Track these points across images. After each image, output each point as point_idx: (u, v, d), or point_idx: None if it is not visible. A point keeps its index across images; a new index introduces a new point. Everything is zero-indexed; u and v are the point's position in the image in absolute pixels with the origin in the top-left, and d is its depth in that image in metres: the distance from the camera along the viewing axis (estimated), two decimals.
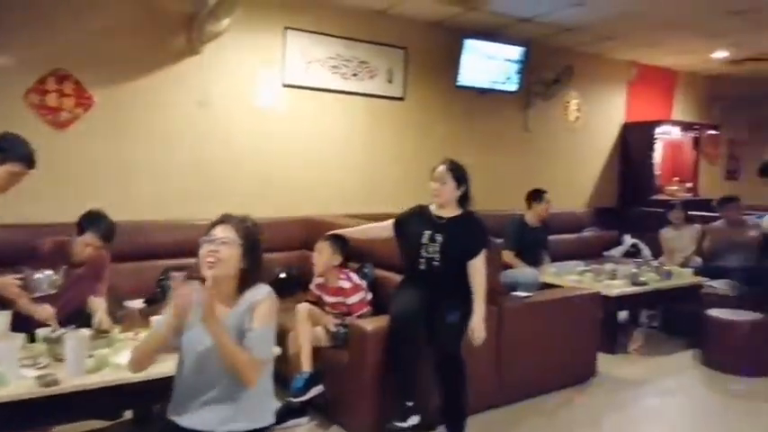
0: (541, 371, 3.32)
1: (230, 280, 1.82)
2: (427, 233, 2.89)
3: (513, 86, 5.49)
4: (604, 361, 3.92)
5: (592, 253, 6.23)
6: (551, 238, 5.94)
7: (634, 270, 4.37)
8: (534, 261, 4.89)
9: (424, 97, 5.29)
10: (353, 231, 3.21)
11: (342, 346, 2.93)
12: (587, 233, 6.42)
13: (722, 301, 4.22)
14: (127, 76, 3.94)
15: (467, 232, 2.89)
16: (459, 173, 2.97)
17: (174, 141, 4.13)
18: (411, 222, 2.99)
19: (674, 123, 6.99)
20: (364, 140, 5.03)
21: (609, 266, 4.53)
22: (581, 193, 6.63)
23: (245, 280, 1.84)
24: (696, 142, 7.12)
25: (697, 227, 5.29)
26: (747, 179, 8.24)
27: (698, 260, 5.27)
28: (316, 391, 2.86)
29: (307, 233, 4.30)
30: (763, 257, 4.83)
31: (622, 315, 4.69)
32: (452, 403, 2.79)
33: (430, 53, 5.27)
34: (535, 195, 4.94)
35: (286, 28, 4.50)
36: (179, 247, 3.58)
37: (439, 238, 2.85)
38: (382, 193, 5.08)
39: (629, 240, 6.32)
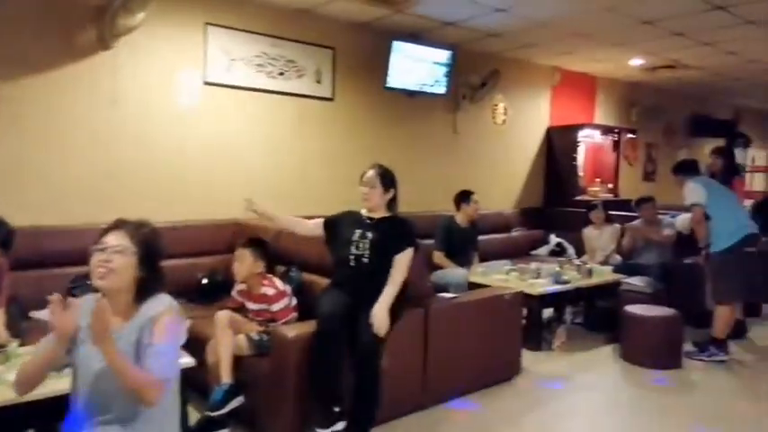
0: (467, 371, 3.33)
1: (125, 291, 1.69)
2: (358, 231, 2.93)
3: (441, 89, 5.54)
4: (530, 358, 4.00)
5: (519, 252, 6.40)
6: (481, 238, 6.03)
7: (557, 269, 4.49)
8: (464, 261, 4.95)
9: (353, 98, 5.25)
10: (282, 220, 3.13)
11: (265, 354, 2.82)
12: (515, 233, 6.58)
13: (639, 298, 4.41)
14: (28, 72, 3.67)
15: (396, 231, 2.95)
16: (387, 178, 3.04)
17: (83, 142, 3.88)
18: (342, 224, 3.02)
19: (596, 127, 7.29)
20: (293, 141, 4.92)
21: (534, 266, 4.63)
22: (509, 194, 6.79)
23: (143, 290, 1.70)
24: (616, 145, 7.45)
25: (617, 226, 5.52)
26: (663, 180, 8.74)
27: (618, 258, 5.50)
28: (236, 402, 2.73)
29: (233, 236, 4.15)
30: (677, 255, 5.11)
31: (548, 312, 4.82)
32: (362, 404, 2.73)
33: (358, 54, 5.23)
34: (463, 196, 5.00)
35: (207, 24, 4.33)
36: (88, 253, 3.35)
37: (369, 235, 2.89)
38: (312, 195, 4.99)
39: (554, 239, 6.52)
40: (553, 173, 7.08)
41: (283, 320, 2.93)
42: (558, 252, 6.39)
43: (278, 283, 3.02)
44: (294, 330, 2.68)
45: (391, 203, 3.04)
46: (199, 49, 4.33)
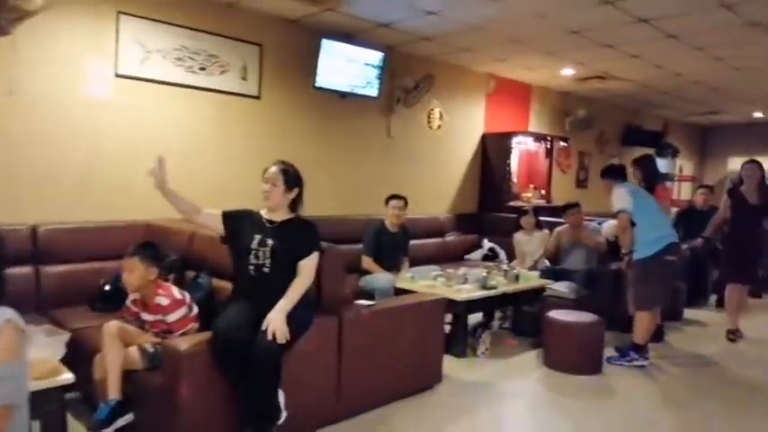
0: (386, 380, 3.21)
1: None
2: (257, 237, 2.72)
3: (373, 92, 5.44)
4: (454, 365, 3.93)
5: (453, 257, 6.38)
6: (415, 242, 5.97)
7: (484, 274, 4.45)
8: (393, 266, 4.85)
9: (281, 97, 5.07)
10: (179, 198, 2.73)
11: (158, 367, 2.60)
12: (449, 238, 6.55)
13: (563, 303, 4.42)
14: None
15: (298, 235, 2.77)
16: (291, 175, 2.85)
17: None
18: (241, 224, 2.79)
19: (529, 134, 7.38)
20: (216, 140, 4.69)
21: (461, 271, 4.58)
22: (444, 199, 6.76)
23: None
24: (549, 153, 7.56)
25: (546, 232, 5.56)
26: (595, 187, 8.94)
27: (546, 263, 5.53)
28: (124, 420, 2.51)
29: (144, 240, 3.88)
30: (602, 261, 5.18)
31: (477, 317, 4.79)
32: (257, 414, 2.53)
33: (288, 52, 5.06)
34: (387, 200, 4.92)
35: (119, 12, 4.06)
36: None
37: (269, 242, 2.69)
38: (235, 196, 4.69)
39: (487, 244, 6.53)
40: (488, 179, 7.11)
41: (181, 331, 2.72)
42: (491, 257, 6.39)
43: (174, 291, 2.81)
44: (187, 343, 2.47)
45: (294, 204, 2.86)
46: (110, 38, 4.05)
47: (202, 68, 4.55)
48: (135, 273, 2.76)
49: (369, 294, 4.57)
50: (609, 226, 5.40)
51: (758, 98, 8.23)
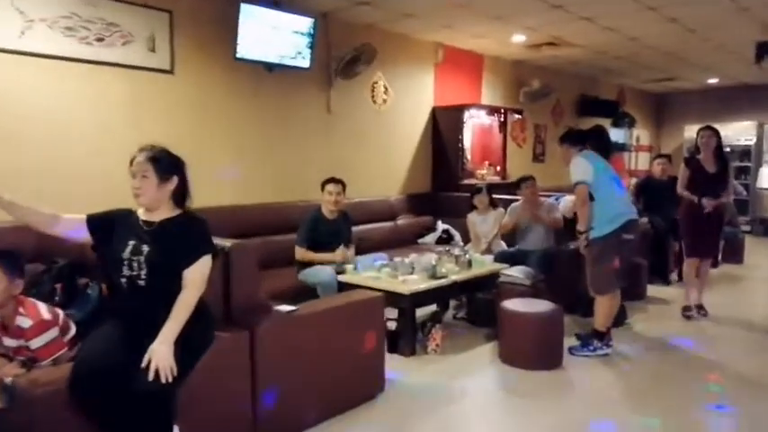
0: (315, 398, 2.75)
1: None
2: (131, 244, 2.16)
3: (304, 63, 4.88)
4: (401, 366, 3.52)
5: (406, 241, 5.96)
6: (364, 228, 5.55)
7: (432, 263, 4.02)
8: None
9: (199, 71, 4.47)
10: (25, 210, 2.11)
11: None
12: (401, 221, 6.12)
13: (518, 290, 4.04)
14: None
15: (180, 237, 2.20)
16: (164, 162, 2.24)
17: None
18: (112, 230, 2.21)
19: (482, 107, 6.95)
20: (124, 122, 4.08)
21: (408, 260, 4.14)
22: (394, 180, 6.29)
23: None
24: (503, 126, 7.16)
25: (501, 210, 5.17)
26: (553, 161, 8.64)
27: (502, 244, 5.16)
28: None
29: (37, 241, 3.29)
30: (559, 240, 4.82)
31: (431, 309, 4.39)
32: None
33: (203, 19, 4.45)
34: (322, 185, 4.42)
35: None
36: None
37: (145, 248, 2.14)
38: None
39: (441, 226, 6.14)
40: (440, 156, 6.67)
41: (48, 360, 2.19)
42: (446, 239, 6.01)
43: (41, 310, 2.27)
44: (48, 376, 1.95)
45: (178, 197, 2.28)
46: None
47: (99, 39, 3.91)
48: None
49: (312, 289, 4.12)
50: (566, 201, 5.06)
51: (713, 63, 8.00)
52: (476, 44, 6.67)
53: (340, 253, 4.26)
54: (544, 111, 8.40)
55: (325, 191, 4.39)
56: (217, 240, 2.46)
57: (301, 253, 4.26)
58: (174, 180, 2.23)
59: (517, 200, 5.08)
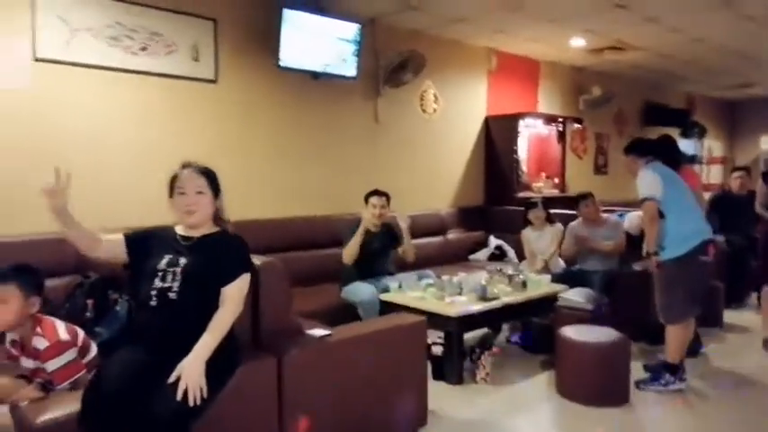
0: (349, 429, 2.51)
1: None
2: (168, 257, 2.05)
3: (351, 71, 4.70)
4: (446, 397, 3.23)
5: (457, 257, 5.67)
6: (413, 242, 5.29)
7: (482, 283, 3.72)
8: (375, 272, 4.16)
9: (243, 80, 4.36)
10: (78, 231, 2.00)
11: None
12: (452, 235, 5.82)
13: (578, 316, 3.66)
14: None
15: (222, 252, 2.09)
16: (215, 178, 2.23)
17: None
18: (150, 246, 2.12)
19: (538, 116, 6.58)
20: (164, 132, 4.01)
21: (456, 279, 3.86)
22: (444, 192, 6.01)
23: None
24: (561, 136, 6.76)
25: (559, 226, 4.80)
26: (616, 173, 8.15)
27: (560, 263, 4.79)
28: None
29: (77, 253, 3.22)
30: (624, 260, 4.41)
31: (480, 332, 4.09)
32: None
33: (247, 27, 4.35)
34: (366, 198, 4.21)
35: None
36: None
37: (183, 260, 2.03)
38: None
39: (494, 242, 5.81)
40: (493, 167, 6.34)
41: (65, 382, 2.05)
42: (499, 256, 5.68)
43: (58, 329, 2.13)
44: (54, 410, 1.79)
45: (218, 215, 2.23)
46: (25, 14, 3.38)
47: (143, 48, 3.86)
48: (10, 305, 2.09)
49: (352, 307, 3.90)
50: (633, 218, 4.63)
51: None
52: (531, 49, 6.33)
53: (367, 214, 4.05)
54: (606, 119, 7.93)
55: (369, 204, 4.18)
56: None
57: (345, 251, 4.02)
58: (221, 198, 2.20)
59: (575, 216, 4.70)
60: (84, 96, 3.65)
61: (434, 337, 3.48)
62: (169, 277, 1.99)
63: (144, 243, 2.12)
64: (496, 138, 6.31)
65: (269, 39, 4.32)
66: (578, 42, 5.91)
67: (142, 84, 3.88)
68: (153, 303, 1.96)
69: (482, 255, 5.69)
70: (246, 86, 4.38)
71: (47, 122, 3.52)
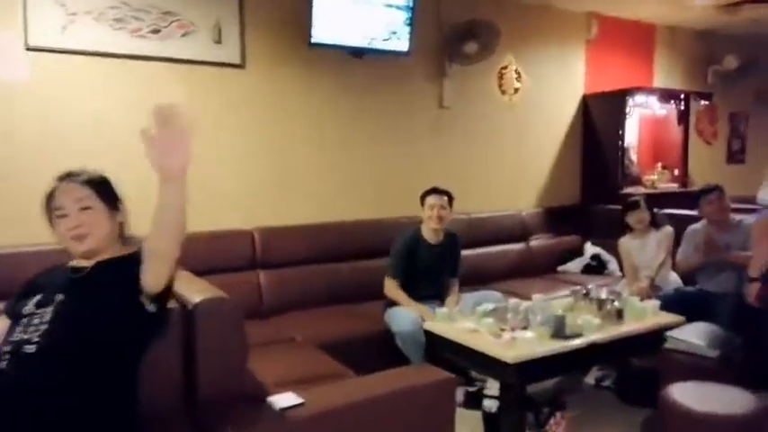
0: None
1: None
2: (38, 297, 1.47)
3: (402, 45, 3.89)
4: None
5: (542, 268, 4.72)
6: (485, 251, 4.47)
7: (560, 311, 2.80)
8: (435, 292, 3.39)
9: (275, 64, 3.74)
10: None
11: None
12: (536, 242, 4.85)
13: (696, 363, 2.62)
14: None
15: (119, 282, 1.44)
16: (109, 185, 1.62)
17: None
18: (29, 291, 1.54)
19: (652, 92, 5.33)
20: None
21: (527, 304, 2.97)
22: (528, 189, 5.03)
23: None
24: (683, 116, 5.45)
25: (668, 230, 3.69)
26: (756, 161, 6.59)
27: (673, 279, 3.69)
28: None
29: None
30: None
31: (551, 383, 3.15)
32: None
33: (276, 1, 3.72)
34: (422, 197, 3.42)
35: None
36: None
37: (59, 297, 1.43)
38: (219, 202, 3.58)
39: (589, 250, 4.75)
40: (593, 157, 5.23)
41: None
42: (596, 267, 4.63)
43: None
44: None
45: (123, 234, 1.60)
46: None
47: (155, 31, 3.36)
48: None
49: (392, 337, 3.16)
50: None
51: None
52: (642, 11, 5.12)
53: (421, 308, 3.17)
54: (744, 96, 6.39)
55: (426, 204, 3.40)
56: (183, 294, 1.63)
57: (392, 288, 3.31)
58: (122, 207, 1.60)
59: (699, 218, 3.57)
60: (84, 89, 3.21)
61: (489, 388, 2.64)
62: (35, 322, 1.39)
63: (25, 296, 1.52)
64: (597, 120, 5.18)
65: (303, 13, 3.63)
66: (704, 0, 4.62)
67: (155, 72, 3.38)
68: (2, 366, 1.35)
69: (575, 266, 4.66)
70: (279, 71, 3.74)
71: (47, 117, 3.12)
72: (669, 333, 2.76)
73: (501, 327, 2.77)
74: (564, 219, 5.01)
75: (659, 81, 5.67)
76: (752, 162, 6.53)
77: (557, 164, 5.14)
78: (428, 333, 2.98)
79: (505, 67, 4.75)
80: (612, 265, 4.55)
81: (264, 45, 3.68)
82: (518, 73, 4.82)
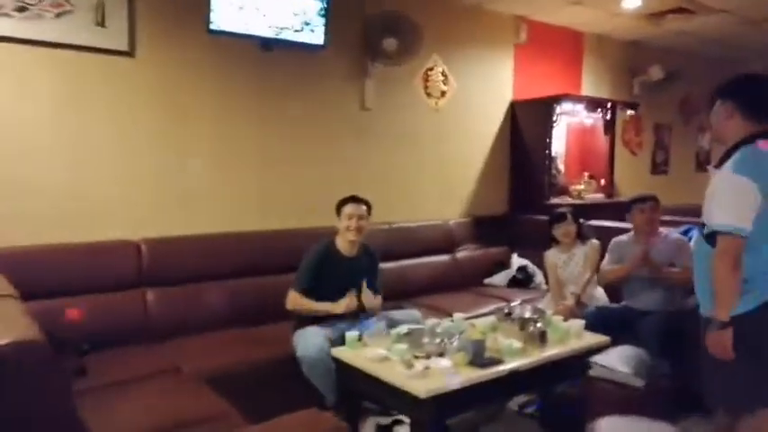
0: None
1: None
2: None
3: (316, 37, 3.55)
4: None
5: (469, 281, 4.47)
6: (408, 263, 4.19)
7: (478, 335, 2.52)
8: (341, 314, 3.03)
9: (170, 53, 3.30)
10: None
11: None
12: (463, 253, 4.61)
13: (623, 394, 2.41)
14: None
15: None
16: None
17: None
18: None
19: (579, 100, 5.23)
20: (55, 122, 3.00)
21: (444, 325, 2.69)
22: (455, 199, 4.79)
23: None
24: (610, 126, 5.39)
25: (595, 243, 3.53)
26: (679, 173, 6.70)
27: (599, 295, 3.53)
28: None
29: None
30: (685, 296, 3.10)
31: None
32: None
33: None
34: (338, 207, 3.10)
35: None
36: None
37: None
38: (101, 210, 3.10)
39: (517, 262, 4.56)
40: (521, 166, 5.07)
41: None
42: (522, 281, 4.44)
43: None
44: None
45: None
46: None
47: (21, 9, 2.86)
48: None
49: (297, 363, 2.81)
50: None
51: None
52: (571, 17, 5.01)
53: (345, 302, 2.90)
54: (668, 107, 6.47)
55: (343, 214, 3.07)
56: None
57: (296, 299, 2.94)
58: None
59: (626, 230, 3.43)
60: None
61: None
62: None
63: None
64: (525, 128, 5.03)
65: None
66: (633, 3, 4.55)
67: (20, 57, 2.88)
68: None
69: (500, 279, 4.45)
70: (176, 61, 3.31)
71: None
72: (594, 359, 2.53)
73: (415, 354, 2.47)
74: (491, 229, 4.81)
75: (587, 89, 5.60)
76: (674, 173, 6.63)
77: (484, 172, 4.94)
78: (337, 359, 2.65)
79: (431, 69, 4.50)
80: (539, 277, 4.38)
81: (158, 30, 3.24)
82: (445, 75, 4.58)
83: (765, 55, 6.46)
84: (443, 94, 4.58)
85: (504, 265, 4.59)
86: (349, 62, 4.01)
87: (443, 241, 4.51)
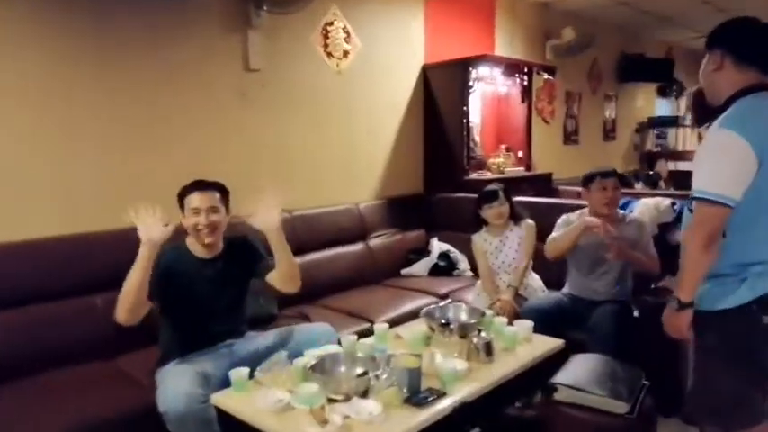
0: None
1: None
2: None
3: None
4: None
5: (387, 272, 3.86)
6: (312, 257, 3.52)
7: (412, 363, 1.89)
8: (227, 328, 2.31)
9: None
10: None
11: None
12: (376, 240, 3.98)
13: (602, 424, 1.89)
14: None
15: None
16: None
17: None
18: None
19: (497, 61, 4.70)
20: None
21: (365, 347, 2.04)
22: (364, 179, 4.12)
23: None
24: (526, 93, 4.95)
25: (530, 224, 3.02)
26: (589, 143, 6.51)
27: (538, 284, 3.05)
28: None
29: None
30: (648, 286, 2.70)
31: None
32: None
33: None
34: (179, 196, 2.28)
35: None
36: None
37: None
38: None
39: (437, 247, 4.00)
40: (435, 139, 4.49)
41: None
42: (445, 268, 3.88)
43: None
44: None
45: None
46: None
47: None
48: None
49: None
50: (644, 211, 2.98)
51: None
52: None
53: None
54: (577, 74, 6.20)
55: (187, 209, 2.22)
56: None
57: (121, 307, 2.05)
58: None
59: (558, 207, 2.96)
60: None
61: None
62: None
63: None
64: (439, 95, 4.44)
65: None
66: None
67: None
68: None
69: (420, 268, 3.87)
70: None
71: None
72: (557, 382, 1.98)
73: (330, 395, 1.79)
74: (407, 211, 4.21)
75: (500, 52, 5.12)
76: (584, 144, 6.42)
77: (396, 146, 4.31)
78: (220, 410, 1.91)
79: (331, 24, 3.76)
80: (463, 264, 3.85)
81: None
82: (347, 32, 3.86)
83: (655, 24, 6.37)
84: (346, 54, 3.86)
85: (424, 251, 4.02)
86: (225, 8, 3.17)
87: (354, 228, 3.84)
